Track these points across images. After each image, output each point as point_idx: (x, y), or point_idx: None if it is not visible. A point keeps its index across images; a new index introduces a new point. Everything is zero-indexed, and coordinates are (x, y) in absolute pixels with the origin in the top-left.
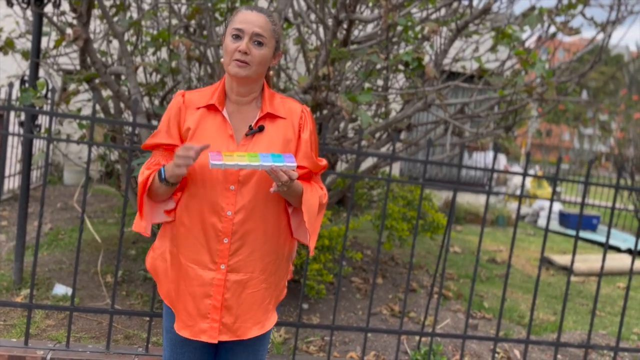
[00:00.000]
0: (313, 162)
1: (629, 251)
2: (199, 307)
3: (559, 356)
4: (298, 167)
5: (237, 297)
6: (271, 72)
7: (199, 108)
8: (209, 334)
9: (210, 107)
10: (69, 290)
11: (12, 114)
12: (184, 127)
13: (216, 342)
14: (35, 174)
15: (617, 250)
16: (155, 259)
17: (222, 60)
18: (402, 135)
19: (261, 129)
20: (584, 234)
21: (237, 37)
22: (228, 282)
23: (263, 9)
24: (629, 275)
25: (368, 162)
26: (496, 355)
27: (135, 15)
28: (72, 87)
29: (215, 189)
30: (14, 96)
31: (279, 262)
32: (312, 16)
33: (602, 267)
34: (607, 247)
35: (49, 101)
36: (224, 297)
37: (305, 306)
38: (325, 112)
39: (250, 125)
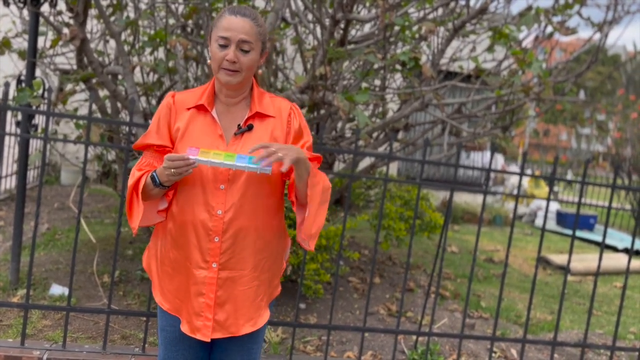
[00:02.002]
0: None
1: (625, 250)
2: (193, 305)
3: (555, 355)
4: None
5: (229, 294)
6: (260, 71)
7: (189, 109)
8: (203, 333)
9: (200, 108)
10: (65, 291)
11: (9, 113)
12: (173, 127)
13: (209, 340)
14: (32, 174)
15: (614, 249)
16: (149, 258)
17: (208, 61)
18: (400, 135)
19: (250, 128)
20: (581, 233)
21: (224, 45)
22: (220, 280)
23: (247, 11)
24: (626, 275)
25: (365, 162)
26: (493, 354)
27: (132, 15)
28: (68, 87)
29: (205, 189)
30: (10, 96)
31: (271, 259)
32: (310, 16)
33: (599, 266)
34: (603, 247)
35: (46, 101)
36: (216, 294)
37: (302, 306)
38: (322, 111)
39: (239, 125)
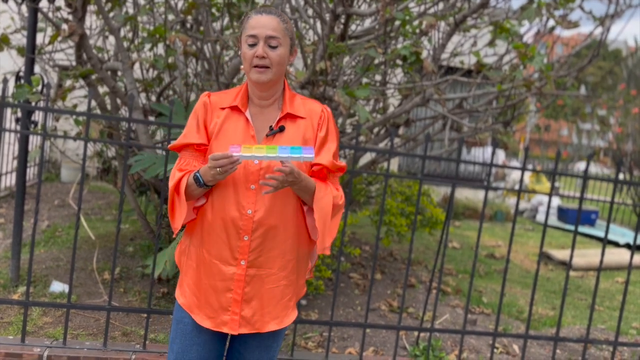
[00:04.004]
0: (330, 161)
1: (627, 246)
2: (220, 300)
3: (557, 351)
4: (314, 164)
5: (257, 291)
6: (290, 69)
7: (223, 109)
8: (230, 326)
9: (234, 109)
10: (66, 288)
11: (8, 110)
12: (210, 126)
13: (237, 334)
14: (31, 171)
15: (616, 245)
16: (180, 253)
17: (241, 67)
18: (401, 131)
19: (282, 129)
20: (582, 228)
21: (253, 43)
22: (248, 277)
23: (272, 10)
24: (628, 270)
25: (366, 158)
26: (495, 350)
27: (131, 11)
28: (68, 83)
29: (236, 188)
30: (9, 92)
31: (299, 259)
32: (310, 11)
33: (601, 261)
34: (606, 242)
35: (44, 97)
36: (244, 290)
37: (303, 302)
38: None
39: (271, 126)
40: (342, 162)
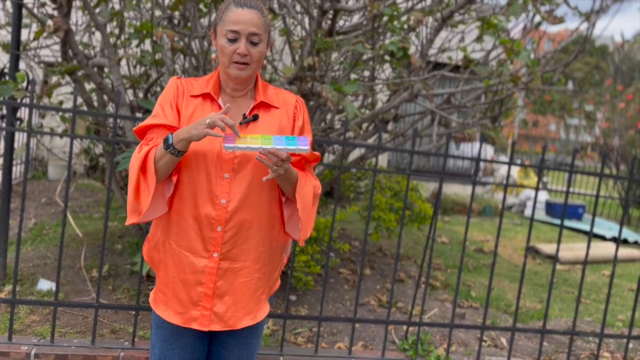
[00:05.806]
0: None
1: (614, 239)
2: (190, 294)
3: (545, 343)
4: (294, 154)
5: (229, 285)
6: (264, 61)
7: (194, 96)
8: (200, 322)
9: (206, 96)
10: (53, 286)
11: None
12: (181, 111)
13: (207, 330)
14: (18, 169)
15: (603, 238)
16: (150, 249)
17: (213, 56)
18: (389, 126)
19: (255, 117)
20: (569, 222)
21: (234, 38)
22: (220, 270)
23: (252, 2)
24: (614, 263)
25: (355, 154)
26: (483, 343)
27: (117, 7)
28: (53, 79)
29: (209, 177)
30: None
31: (273, 252)
32: (298, 7)
33: (587, 255)
34: (591, 236)
35: (29, 94)
36: (215, 284)
37: (293, 298)
38: (311, 103)
39: (244, 114)
40: (316, 152)
